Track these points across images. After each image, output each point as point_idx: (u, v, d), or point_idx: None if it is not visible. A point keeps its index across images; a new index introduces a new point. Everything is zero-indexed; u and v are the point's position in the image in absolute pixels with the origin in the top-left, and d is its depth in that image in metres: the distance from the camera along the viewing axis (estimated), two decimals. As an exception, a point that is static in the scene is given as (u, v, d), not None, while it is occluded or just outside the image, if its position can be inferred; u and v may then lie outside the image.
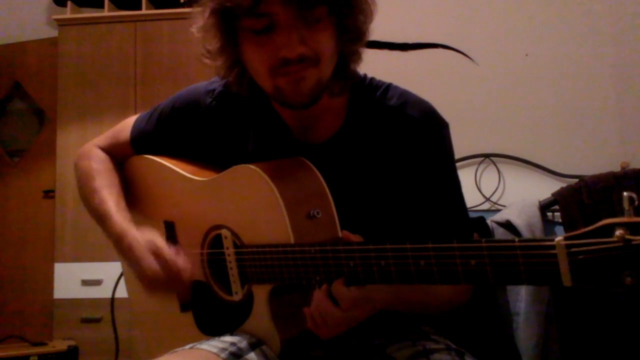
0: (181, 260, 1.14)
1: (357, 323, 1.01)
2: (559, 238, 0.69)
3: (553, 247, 0.70)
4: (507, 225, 2.22)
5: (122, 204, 1.29)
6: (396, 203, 1.16)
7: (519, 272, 0.74)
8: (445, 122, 1.20)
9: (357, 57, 1.14)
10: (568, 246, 0.69)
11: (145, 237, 1.17)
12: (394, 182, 1.16)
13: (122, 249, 1.20)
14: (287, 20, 1.00)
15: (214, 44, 1.10)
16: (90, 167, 1.36)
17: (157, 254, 1.14)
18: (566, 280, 0.69)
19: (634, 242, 0.63)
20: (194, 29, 1.10)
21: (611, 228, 0.65)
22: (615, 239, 0.64)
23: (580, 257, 0.67)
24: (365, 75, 1.23)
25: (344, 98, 1.19)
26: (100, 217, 1.27)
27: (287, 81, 1.05)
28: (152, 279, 1.13)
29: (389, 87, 1.21)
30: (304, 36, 1.01)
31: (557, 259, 0.69)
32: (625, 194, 0.64)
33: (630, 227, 0.64)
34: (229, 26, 1.06)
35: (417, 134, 1.15)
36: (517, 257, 0.74)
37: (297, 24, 1.01)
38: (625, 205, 0.65)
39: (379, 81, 1.23)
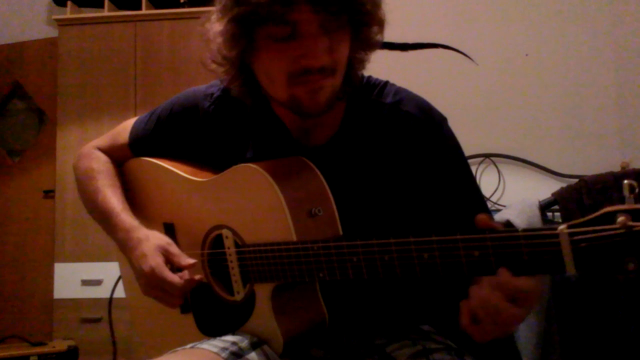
0: (190, 265, 1.15)
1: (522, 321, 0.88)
2: (562, 227, 0.69)
3: (556, 235, 0.70)
4: (507, 225, 2.22)
5: (126, 203, 1.30)
6: (400, 200, 1.16)
7: (523, 262, 0.75)
8: (442, 116, 1.20)
9: (363, 65, 1.15)
10: (571, 234, 0.69)
11: (157, 236, 1.19)
12: (397, 179, 1.15)
13: (129, 245, 1.20)
14: (311, 29, 1.00)
15: (230, 51, 1.08)
16: (91, 167, 1.36)
17: (166, 253, 1.15)
18: (570, 268, 0.69)
19: (635, 229, 0.64)
20: (210, 35, 1.09)
21: (613, 215, 0.66)
22: (617, 225, 0.65)
23: (583, 244, 0.68)
24: (362, 75, 1.23)
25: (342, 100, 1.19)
26: (105, 215, 1.28)
27: (305, 90, 1.04)
28: (152, 275, 1.13)
29: (385, 85, 1.21)
30: (327, 47, 1.01)
31: (561, 247, 0.70)
32: (625, 181, 0.64)
33: (632, 214, 0.64)
34: (247, 32, 1.05)
35: (416, 130, 1.14)
36: (521, 246, 0.74)
37: (320, 34, 1.00)
38: (626, 192, 0.65)
39: (376, 79, 1.23)
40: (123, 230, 1.22)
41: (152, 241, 1.17)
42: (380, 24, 1.09)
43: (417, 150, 1.14)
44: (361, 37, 1.08)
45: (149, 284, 1.15)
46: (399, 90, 1.20)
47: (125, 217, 1.24)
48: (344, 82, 1.11)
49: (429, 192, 1.15)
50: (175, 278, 1.13)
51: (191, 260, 1.15)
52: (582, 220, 0.68)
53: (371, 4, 1.05)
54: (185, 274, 1.13)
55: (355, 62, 1.12)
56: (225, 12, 1.04)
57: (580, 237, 0.68)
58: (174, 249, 1.17)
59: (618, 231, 0.65)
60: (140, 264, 1.15)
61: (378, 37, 1.11)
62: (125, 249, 1.22)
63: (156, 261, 1.13)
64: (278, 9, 0.97)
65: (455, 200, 1.15)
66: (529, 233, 0.73)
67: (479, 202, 1.20)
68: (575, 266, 0.68)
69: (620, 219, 0.64)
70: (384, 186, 1.16)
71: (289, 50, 1.01)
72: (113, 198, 1.29)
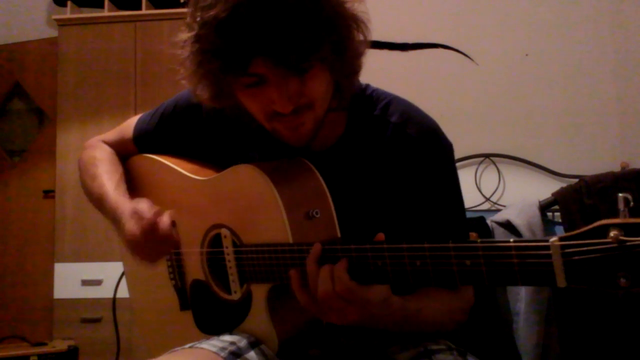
0: (162, 220, 1.13)
1: (348, 321, 0.96)
2: (553, 239, 0.68)
3: (547, 247, 0.70)
4: (507, 225, 2.23)
5: (122, 187, 1.30)
6: (393, 215, 1.16)
7: (514, 273, 0.74)
8: (447, 143, 1.19)
9: (352, 84, 1.13)
10: (562, 247, 0.69)
11: (130, 204, 1.18)
12: (391, 196, 1.16)
13: (116, 222, 1.20)
14: (276, 79, 0.98)
15: (205, 94, 1.09)
16: (94, 156, 1.38)
17: (138, 217, 1.13)
18: (560, 281, 0.68)
19: (628, 243, 0.63)
20: (183, 81, 1.09)
21: (606, 229, 0.65)
22: (609, 239, 0.64)
23: (575, 257, 0.67)
24: (367, 86, 1.22)
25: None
26: (99, 200, 1.28)
27: (285, 127, 1.05)
28: (133, 243, 1.13)
29: (391, 101, 1.19)
30: (296, 90, 0.99)
31: (552, 260, 0.69)
32: (620, 195, 0.64)
33: (625, 228, 0.64)
34: (218, 81, 1.04)
35: (415, 153, 1.14)
36: (512, 257, 0.74)
37: (287, 79, 0.98)
38: (620, 206, 0.64)
39: (382, 93, 1.22)
40: (112, 211, 1.22)
41: (125, 212, 1.16)
42: (356, 51, 1.06)
43: (411, 172, 1.14)
44: (338, 68, 1.05)
45: (135, 249, 1.15)
46: (406, 110, 1.18)
47: (114, 196, 1.24)
48: (335, 96, 1.10)
49: (417, 213, 1.15)
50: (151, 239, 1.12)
51: (158, 211, 1.14)
52: (574, 233, 0.67)
53: (338, 38, 1.00)
54: (163, 224, 1.12)
55: (342, 83, 1.10)
56: (189, 60, 1.05)
57: (571, 250, 0.67)
58: (140, 208, 1.15)
59: (610, 245, 0.64)
60: (124, 237, 1.15)
61: (358, 62, 1.08)
62: (115, 229, 1.23)
63: (130, 225, 1.12)
64: (237, 69, 0.97)
65: (430, 226, 1.15)
66: (521, 244, 0.73)
67: (460, 227, 1.20)
68: (566, 279, 0.68)
69: (613, 233, 0.63)
70: (380, 199, 1.16)
71: (260, 95, 1.01)
72: (108, 182, 1.29)
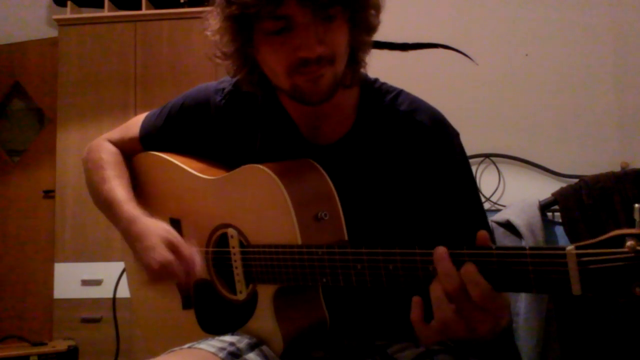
0: (196, 254, 1.15)
1: (475, 335, 0.89)
2: (570, 247, 0.69)
3: (564, 255, 0.70)
4: (507, 225, 2.22)
5: (131, 194, 1.31)
6: (404, 207, 1.16)
7: (529, 280, 0.75)
8: (455, 131, 1.20)
9: (367, 47, 1.14)
10: (579, 255, 0.69)
11: (159, 226, 1.18)
12: (402, 186, 1.16)
13: (132, 236, 1.20)
14: (304, 21, 1.01)
15: (229, 47, 1.11)
16: (100, 157, 1.37)
17: (171, 245, 1.15)
18: (576, 289, 0.69)
19: (644, 254, 0.64)
20: (208, 33, 1.11)
21: (622, 239, 0.66)
22: (626, 249, 0.65)
23: (591, 266, 0.68)
24: (376, 80, 1.24)
25: (353, 99, 1.20)
26: (109, 205, 1.28)
27: (306, 80, 1.05)
28: (161, 270, 1.13)
29: (400, 93, 1.21)
30: (322, 36, 1.02)
31: (568, 268, 0.70)
32: (636, 205, 0.64)
33: (641, 239, 0.64)
34: (244, 28, 1.06)
35: (426, 141, 1.15)
36: (527, 264, 0.74)
37: (314, 24, 1.01)
38: (637, 217, 0.65)
39: (390, 86, 1.23)
40: (125, 221, 1.23)
41: (155, 233, 1.17)
42: (376, 6, 1.09)
43: (425, 160, 1.15)
44: (358, 22, 1.08)
45: (158, 277, 1.15)
46: (414, 100, 1.20)
47: (128, 207, 1.25)
48: (349, 67, 1.12)
49: (432, 203, 1.15)
50: (181, 274, 1.14)
51: (195, 252, 1.16)
52: (590, 241, 0.68)
53: None
54: (196, 265, 1.14)
55: (358, 46, 1.12)
56: (220, 11, 1.06)
57: (587, 258, 0.68)
58: (177, 239, 1.16)
59: (626, 255, 0.65)
60: (147, 260, 1.15)
61: (376, 20, 1.11)
62: (128, 239, 1.23)
63: (163, 256, 1.13)
64: (269, 7, 0.99)
65: (456, 215, 1.15)
66: (536, 252, 0.73)
67: (480, 218, 1.20)
68: (581, 288, 0.68)
69: (629, 243, 0.64)
70: (389, 191, 1.16)
71: (285, 42, 1.03)
72: (119, 188, 1.30)
